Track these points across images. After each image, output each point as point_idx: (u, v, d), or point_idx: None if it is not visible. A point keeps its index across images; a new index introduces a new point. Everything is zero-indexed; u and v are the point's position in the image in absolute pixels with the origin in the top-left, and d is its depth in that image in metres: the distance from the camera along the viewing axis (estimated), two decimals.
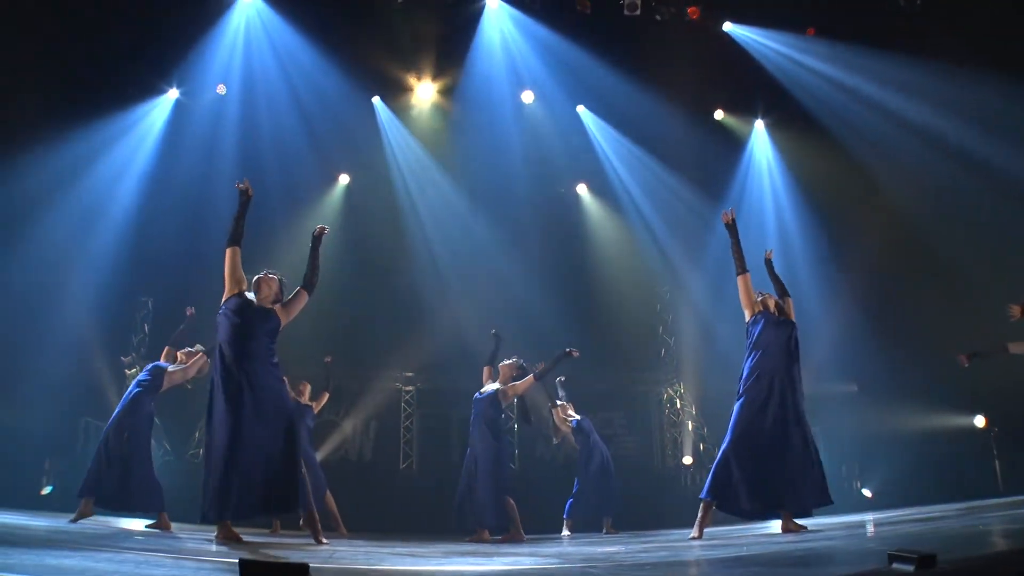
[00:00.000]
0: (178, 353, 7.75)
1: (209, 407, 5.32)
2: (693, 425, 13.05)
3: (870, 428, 11.63)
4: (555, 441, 10.25)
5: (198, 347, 7.78)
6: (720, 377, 13.24)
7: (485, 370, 8.26)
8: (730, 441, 5.91)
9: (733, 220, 6.43)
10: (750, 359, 6.05)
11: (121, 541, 4.54)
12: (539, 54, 12.49)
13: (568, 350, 8.11)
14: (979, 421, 11.48)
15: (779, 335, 6.03)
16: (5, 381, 10.38)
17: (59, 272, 11.29)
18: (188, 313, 8.22)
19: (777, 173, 13.66)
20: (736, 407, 6.01)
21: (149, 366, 7.74)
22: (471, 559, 4.51)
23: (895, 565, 2.43)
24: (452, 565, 4.02)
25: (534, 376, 8.00)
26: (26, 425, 10.43)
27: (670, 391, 13.50)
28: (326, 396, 9.64)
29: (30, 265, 10.93)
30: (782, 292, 6.47)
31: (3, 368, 10.40)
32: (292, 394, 9.03)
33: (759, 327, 6.11)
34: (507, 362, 8.16)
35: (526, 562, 4.18)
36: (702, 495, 5.94)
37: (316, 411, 9.55)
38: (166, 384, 7.59)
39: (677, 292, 13.82)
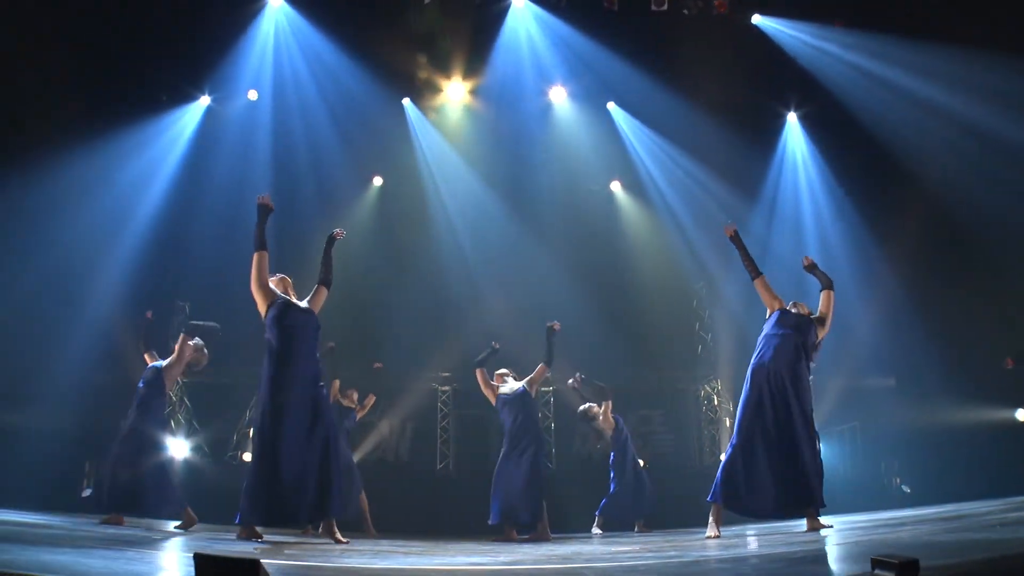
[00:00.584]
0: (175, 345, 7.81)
1: (257, 410, 5.51)
2: (731, 422, 12.90)
3: (909, 423, 11.43)
4: (599, 446, 10.18)
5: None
6: None
7: (479, 373, 8.28)
8: (734, 442, 5.85)
9: (735, 232, 6.29)
10: (755, 357, 5.98)
11: (134, 541, 4.60)
12: (567, 52, 12.55)
13: (549, 324, 8.36)
14: (1021, 415, 11.25)
15: (789, 334, 5.88)
16: (44, 385, 10.59)
17: (94, 275, 11.47)
18: (147, 316, 8.24)
19: (812, 166, 13.51)
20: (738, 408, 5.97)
21: (147, 369, 7.78)
22: (476, 556, 4.54)
23: (877, 571, 2.39)
24: (441, 564, 4.00)
25: (544, 364, 8.25)
26: (66, 428, 10.64)
27: (707, 388, 13.43)
28: (372, 399, 9.64)
29: (63, 268, 11.15)
30: (825, 286, 6.34)
31: (42, 372, 10.63)
32: (336, 396, 9.17)
33: (770, 325, 6.03)
34: (499, 371, 8.50)
35: (527, 560, 4.15)
36: (709, 498, 5.87)
37: (360, 415, 9.58)
38: (168, 382, 7.68)
39: (712, 288, 13.71)
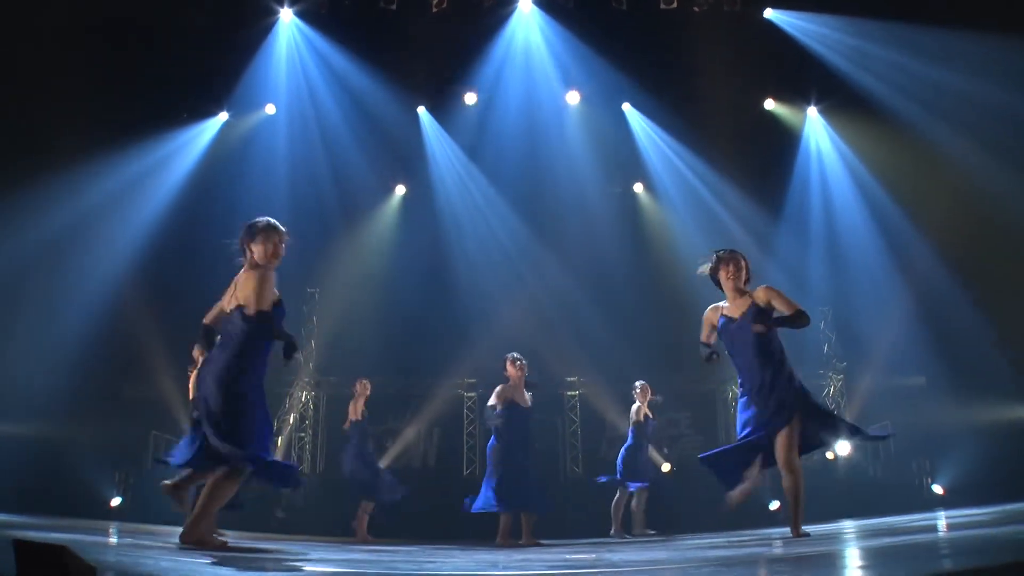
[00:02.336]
0: None
1: None
2: None
3: (940, 422, 11.30)
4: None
5: None
6: None
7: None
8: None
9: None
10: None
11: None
12: (578, 54, 12.69)
13: None
14: None
15: (737, 330, 5.87)
16: (77, 398, 10.80)
17: (116, 286, 11.66)
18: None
19: (836, 160, 13.42)
20: None
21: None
22: (454, 559, 4.58)
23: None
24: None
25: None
26: (97, 440, 10.85)
27: (734, 389, 13.29)
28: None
29: (86, 280, 11.35)
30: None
31: (74, 386, 10.82)
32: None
33: (720, 334, 6.00)
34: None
35: (511, 567, 4.18)
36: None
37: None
38: None
39: None
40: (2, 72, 10.62)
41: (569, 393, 14.12)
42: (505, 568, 4.09)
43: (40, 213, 11.13)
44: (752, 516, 9.93)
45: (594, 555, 5.08)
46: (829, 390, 13.23)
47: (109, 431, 10.96)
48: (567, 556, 5.12)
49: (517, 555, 5.57)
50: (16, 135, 10.99)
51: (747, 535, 6.14)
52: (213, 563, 3.55)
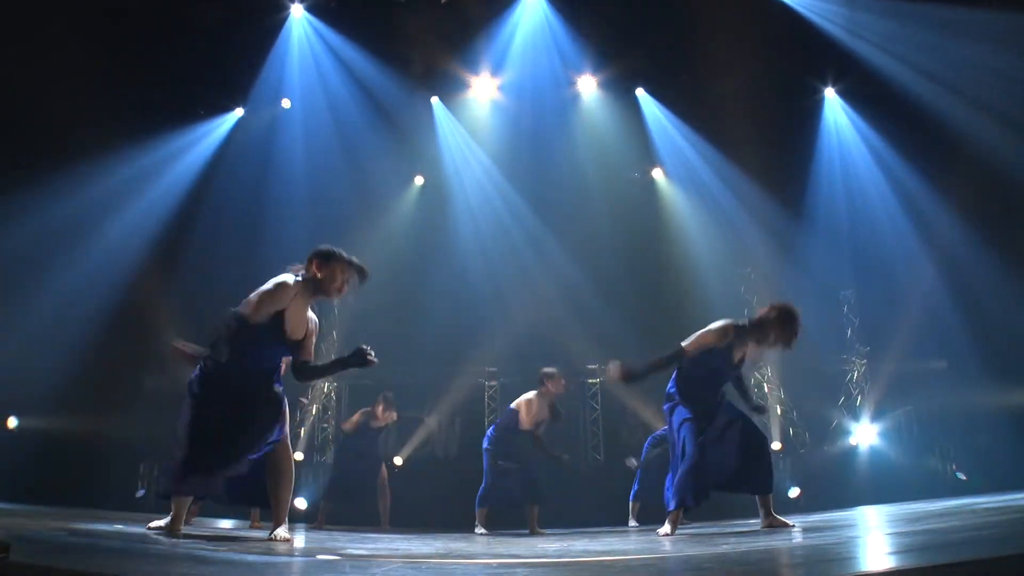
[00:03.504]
0: None
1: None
2: (781, 409, 12.82)
3: (963, 407, 11.22)
4: None
5: None
6: (807, 357, 13.04)
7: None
8: None
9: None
10: None
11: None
12: (589, 38, 12.49)
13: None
14: None
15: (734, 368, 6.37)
16: (99, 391, 10.97)
17: (133, 278, 11.83)
18: None
19: (856, 140, 13.29)
20: None
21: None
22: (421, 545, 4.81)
23: None
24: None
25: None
26: (122, 432, 11.03)
27: (756, 375, 13.28)
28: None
29: (104, 273, 11.54)
30: None
31: (95, 379, 10.99)
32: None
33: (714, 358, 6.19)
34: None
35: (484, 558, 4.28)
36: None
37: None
38: None
39: (760, 272, 13.54)
40: (23, 67, 10.76)
41: (590, 381, 14.14)
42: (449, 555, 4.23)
43: (58, 205, 11.34)
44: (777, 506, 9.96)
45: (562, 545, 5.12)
46: (852, 375, 13.16)
47: (132, 424, 11.14)
48: (540, 546, 5.20)
49: (483, 544, 5.75)
50: (35, 128, 11.19)
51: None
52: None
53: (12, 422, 11.29)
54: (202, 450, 4.68)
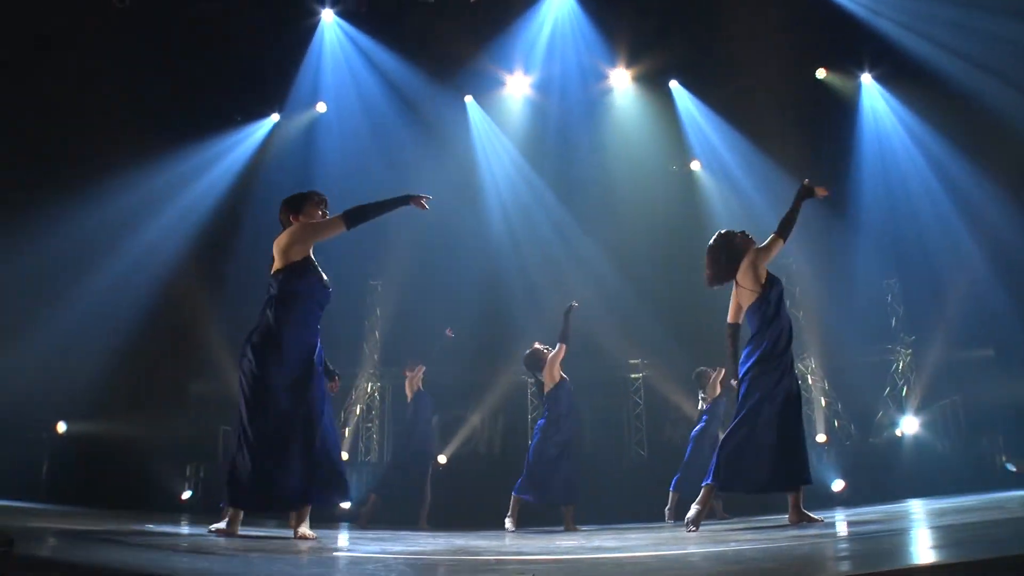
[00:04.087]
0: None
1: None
2: (826, 401, 12.72)
3: (1012, 397, 11.02)
4: (702, 404, 10.18)
5: None
6: (851, 347, 12.93)
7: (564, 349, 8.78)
8: None
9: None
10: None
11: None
12: (619, 31, 12.49)
13: (570, 304, 8.85)
14: None
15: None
16: (145, 396, 11.21)
17: (171, 283, 12.06)
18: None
19: (895, 126, 13.11)
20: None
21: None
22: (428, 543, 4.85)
23: None
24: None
25: (561, 342, 8.70)
26: (168, 436, 11.26)
27: (800, 367, 13.16)
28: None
29: (141, 277, 11.78)
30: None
31: (141, 384, 11.23)
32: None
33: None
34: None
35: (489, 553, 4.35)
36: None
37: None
38: None
39: (800, 264, 13.42)
40: (64, 78, 11.04)
41: (632, 376, 14.14)
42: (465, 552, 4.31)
43: (101, 211, 11.61)
44: (817, 498, 9.90)
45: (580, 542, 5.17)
46: (897, 365, 13.01)
47: (178, 427, 11.39)
48: (557, 542, 5.25)
49: (511, 539, 5.85)
50: (78, 135, 11.48)
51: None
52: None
53: (61, 427, 11.59)
54: (269, 460, 4.82)
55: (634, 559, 3.75)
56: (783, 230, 6.15)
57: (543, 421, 8.75)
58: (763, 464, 5.54)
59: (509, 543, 5.37)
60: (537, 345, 9.10)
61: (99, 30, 10.85)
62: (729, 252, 6.21)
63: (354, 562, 3.73)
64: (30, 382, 10.91)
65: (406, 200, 5.47)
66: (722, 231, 6.33)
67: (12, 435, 10.56)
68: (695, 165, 14.55)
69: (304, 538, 4.83)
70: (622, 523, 8.93)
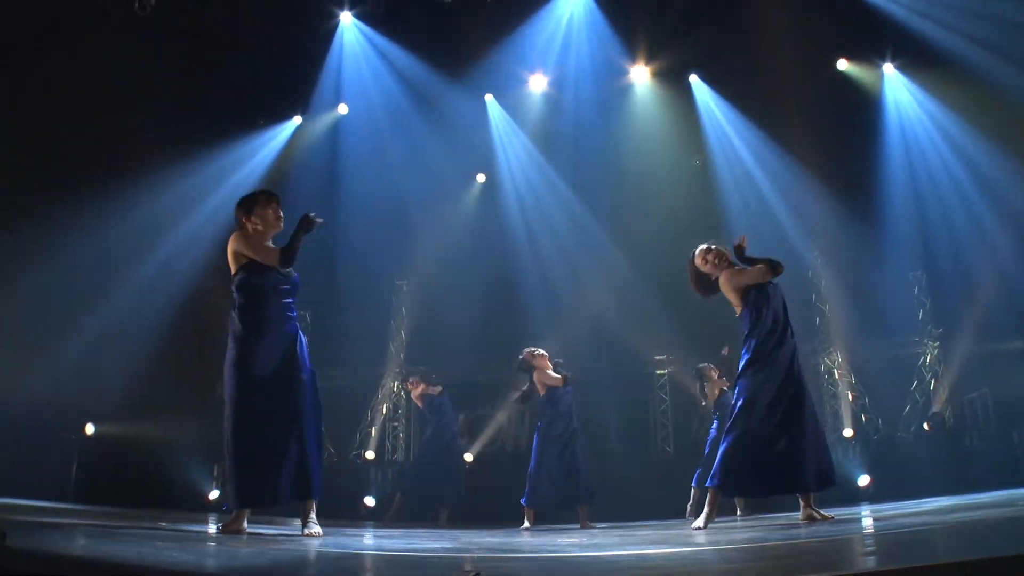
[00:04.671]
0: None
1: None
2: (853, 395, 12.62)
3: None
4: (704, 404, 10.21)
5: None
6: (879, 341, 12.82)
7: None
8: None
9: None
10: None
11: None
12: (637, 26, 12.43)
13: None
14: None
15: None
16: (173, 396, 11.36)
17: (200, 290, 12.22)
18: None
19: (919, 115, 12.96)
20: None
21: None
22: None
23: None
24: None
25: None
26: (195, 436, 11.41)
27: (827, 361, 13.13)
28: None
29: (169, 278, 11.91)
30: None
31: (168, 385, 11.37)
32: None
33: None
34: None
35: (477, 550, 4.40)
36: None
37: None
38: None
39: (827, 256, 13.33)
40: (91, 87, 11.19)
41: (658, 372, 14.12)
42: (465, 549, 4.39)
43: (127, 215, 11.80)
44: (844, 494, 9.85)
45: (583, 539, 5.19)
46: (925, 358, 12.88)
47: (204, 427, 11.53)
48: (559, 540, 5.28)
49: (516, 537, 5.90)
50: (105, 141, 11.65)
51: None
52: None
53: (89, 428, 11.79)
54: (251, 453, 4.97)
55: (593, 558, 3.79)
56: (770, 263, 6.12)
57: (540, 426, 8.78)
58: (763, 468, 5.59)
59: (510, 540, 5.42)
60: (529, 349, 9.09)
61: (122, 39, 10.97)
62: (699, 279, 6.43)
63: (294, 553, 3.81)
64: (59, 385, 11.13)
65: (308, 225, 5.25)
66: (691, 255, 6.40)
67: (42, 437, 10.78)
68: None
69: (310, 535, 4.90)
70: (645, 520, 8.92)
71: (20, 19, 10.64)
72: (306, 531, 4.95)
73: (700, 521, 5.66)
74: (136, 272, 12.09)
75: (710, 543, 4.23)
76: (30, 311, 11.23)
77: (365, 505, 11.61)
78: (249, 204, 5.35)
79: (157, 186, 12.13)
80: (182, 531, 5.10)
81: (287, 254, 5.19)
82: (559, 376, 8.79)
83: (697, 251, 6.39)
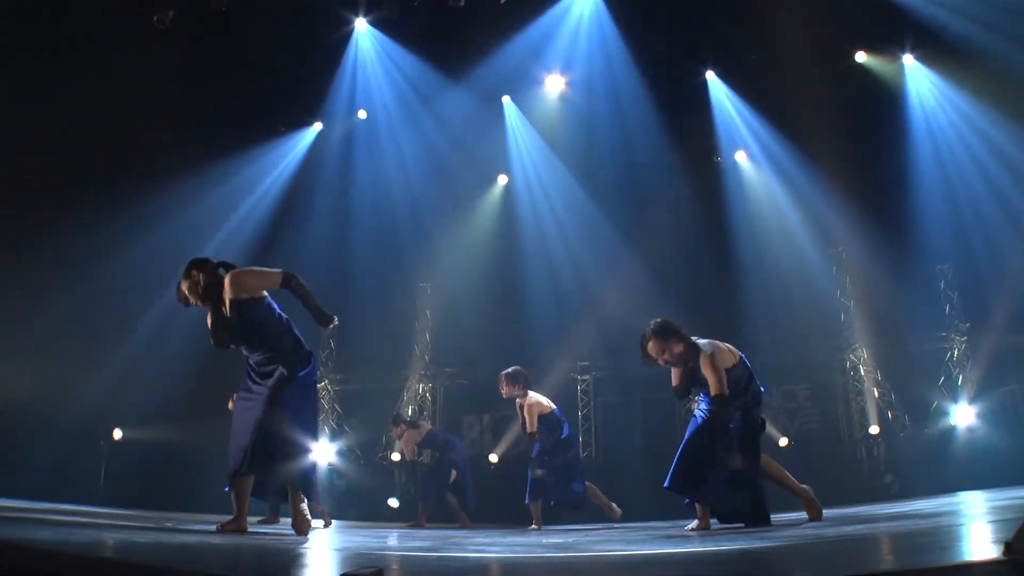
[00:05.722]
0: None
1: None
2: (879, 392, 12.48)
3: None
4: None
5: None
6: (904, 336, 12.68)
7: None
8: None
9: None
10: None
11: None
12: (652, 23, 12.36)
13: None
14: None
15: None
16: (199, 402, 11.50)
17: None
18: None
19: (944, 107, 12.79)
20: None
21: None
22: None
23: None
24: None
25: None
26: (221, 441, 11.49)
27: (852, 358, 12.99)
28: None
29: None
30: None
31: (195, 390, 11.52)
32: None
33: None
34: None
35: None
36: None
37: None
38: None
39: (851, 251, 13.19)
40: (117, 100, 11.37)
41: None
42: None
43: (157, 226, 11.95)
44: (867, 492, 9.76)
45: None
46: (952, 354, 12.67)
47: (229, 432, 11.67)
48: (544, 540, 5.27)
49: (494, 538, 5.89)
50: (133, 155, 11.85)
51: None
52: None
53: (117, 433, 11.95)
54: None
55: (593, 557, 3.80)
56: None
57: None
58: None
59: (504, 540, 5.46)
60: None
61: (142, 51, 11.14)
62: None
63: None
64: (93, 393, 11.36)
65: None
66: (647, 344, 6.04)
67: (73, 443, 10.99)
68: (740, 156, 14.38)
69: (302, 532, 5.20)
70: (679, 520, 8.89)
71: (43, 41, 10.91)
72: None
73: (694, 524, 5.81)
74: (167, 284, 12.26)
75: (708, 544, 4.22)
76: (68, 325, 11.52)
77: (389, 506, 11.69)
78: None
79: (186, 199, 12.33)
80: (181, 528, 5.21)
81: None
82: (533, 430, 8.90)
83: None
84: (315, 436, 5.59)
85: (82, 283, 11.37)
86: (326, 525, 8.35)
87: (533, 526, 8.44)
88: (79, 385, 11.51)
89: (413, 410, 14.33)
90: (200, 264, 5.31)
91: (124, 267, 11.77)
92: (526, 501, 8.71)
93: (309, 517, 5.34)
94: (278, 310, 5.46)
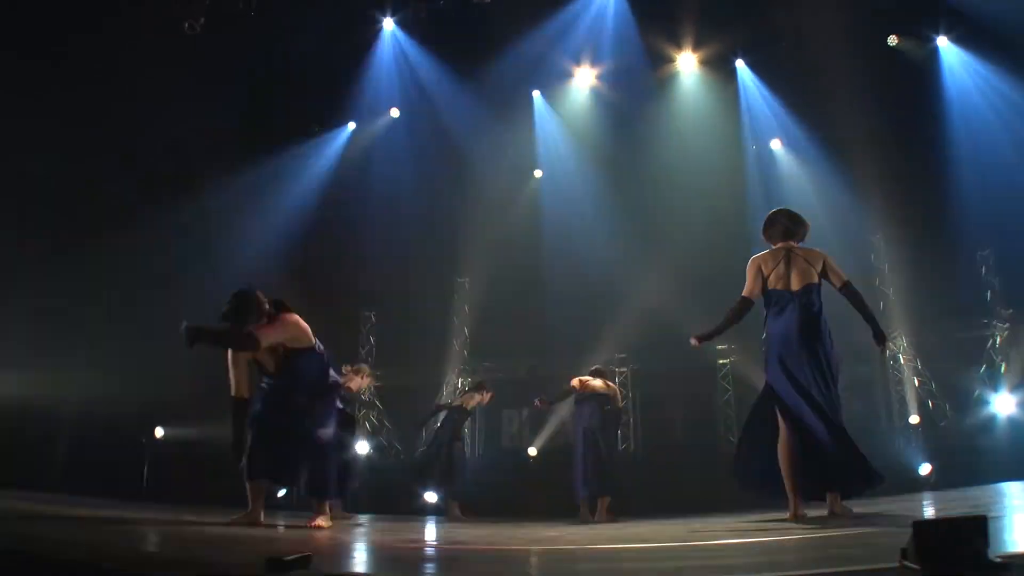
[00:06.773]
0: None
1: None
2: (920, 381, 12.33)
3: None
4: None
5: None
6: (945, 324, 12.50)
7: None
8: None
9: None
10: None
11: None
12: (681, 13, 12.31)
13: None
14: None
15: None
16: (210, 395, 11.66)
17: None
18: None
19: (982, 89, 12.59)
20: None
21: None
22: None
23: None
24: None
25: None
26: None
27: (891, 345, 12.80)
28: None
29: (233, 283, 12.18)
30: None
31: (207, 385, 11.69)
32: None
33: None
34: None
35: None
36: None
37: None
38: None
39: (890, 239, 13.02)
40: (160, 104, 11.59)
41: (720, 361, 13.99)
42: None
43: (193, 227, 12.16)
44: (906, 483, 9.65)
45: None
46: (994, 341, 12.47)
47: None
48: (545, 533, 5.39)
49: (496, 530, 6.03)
50: (172, 158, 12.06)
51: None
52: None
53: (159, 432, 12.19)
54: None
55: (589, 551, 3.84)
56: None
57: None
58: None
59: (509, 533, 5.54)
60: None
61: (173, 57, 11.33)
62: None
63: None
64: (130, 392, 11.60)
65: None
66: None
67: (114, 441, 11.25)
68: (775, 144, 14.26)
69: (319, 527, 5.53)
70: (717, 512, 8.86)
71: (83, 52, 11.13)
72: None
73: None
74: (203, 282, 12.47)
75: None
76: (116, 326, 11.79)
77: (426, 500, 11.78)
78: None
79: (221, 197, 12.51)
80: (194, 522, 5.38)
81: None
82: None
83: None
84: (333, 435, 5.92)
85: (128, 284, 11.64)
86: (347, 521, 8.39)
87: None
88: (120, 383, 11.76)
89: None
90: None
91: (163, 268, 12.02)
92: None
93: (328, 514, 5.70)
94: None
